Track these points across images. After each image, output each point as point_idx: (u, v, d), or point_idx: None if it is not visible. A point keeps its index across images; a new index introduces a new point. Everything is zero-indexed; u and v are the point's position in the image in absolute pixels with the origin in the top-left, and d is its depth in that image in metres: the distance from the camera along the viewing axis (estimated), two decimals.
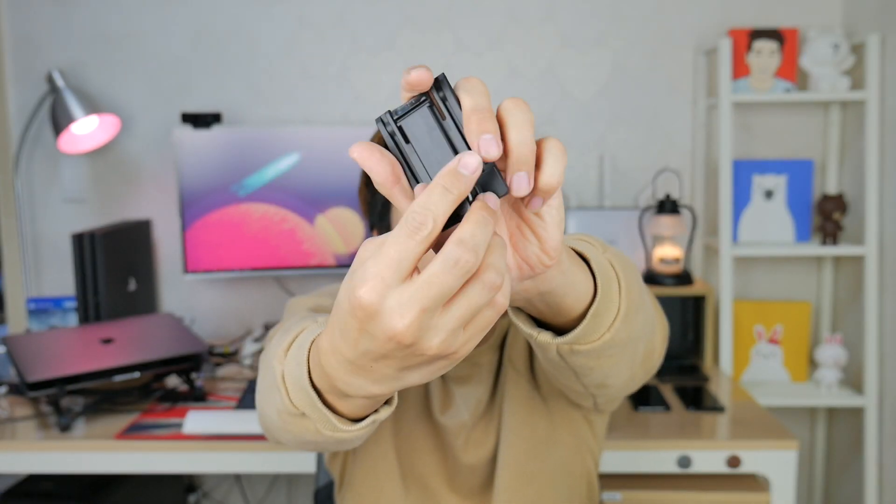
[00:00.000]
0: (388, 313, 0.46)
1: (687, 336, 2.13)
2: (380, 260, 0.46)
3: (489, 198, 0.49)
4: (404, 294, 0.46)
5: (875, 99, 2.04)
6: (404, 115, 0.50)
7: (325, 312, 1.04)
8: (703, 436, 1.65)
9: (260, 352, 2.12)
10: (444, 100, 0.50)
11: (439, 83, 0.50)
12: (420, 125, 0.50)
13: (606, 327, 0.72)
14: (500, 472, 1.05)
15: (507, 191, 0.50)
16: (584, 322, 0.70)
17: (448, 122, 0.50)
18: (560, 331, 0.74)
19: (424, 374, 0.52)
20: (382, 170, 0.51)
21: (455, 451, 1.08)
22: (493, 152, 0.47)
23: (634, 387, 0.92)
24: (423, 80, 0.50)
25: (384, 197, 1.08)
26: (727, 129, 2.10)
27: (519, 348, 1.09)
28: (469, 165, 0.47)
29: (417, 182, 0.51)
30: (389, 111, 0.51)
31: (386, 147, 0.52)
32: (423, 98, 0.50)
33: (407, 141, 0.50)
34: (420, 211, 0.46)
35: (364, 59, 2.32)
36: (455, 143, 0.50)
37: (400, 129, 0.50)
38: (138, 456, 1.63)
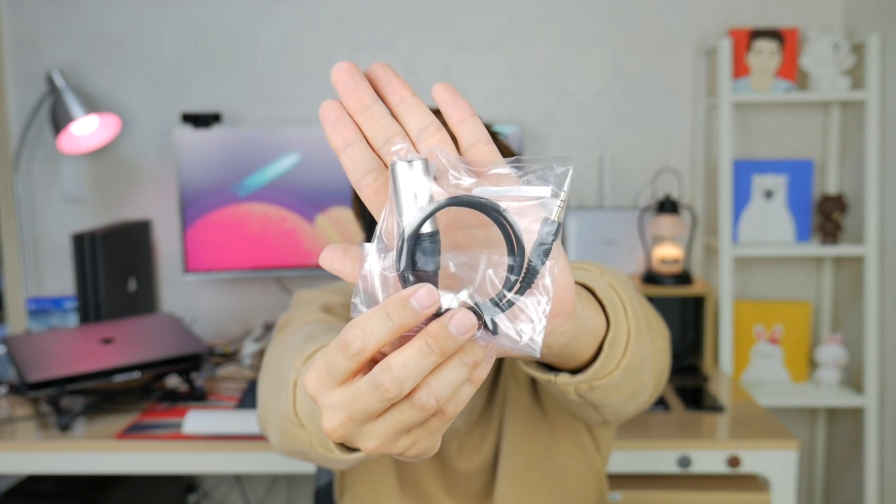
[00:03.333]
0: (323, 409, 0.46)
1: (687, 336, 2.13)
2: (323, 356, 0.45)
3: (457, 321, 0.42)
4: (335, 398, 0.45)
5: (875, 99, 2.04)
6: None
7: (337, 315, 1.04)
8: (703, 436, 1.65)
9: (260, 352, 2.12)
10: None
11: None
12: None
13: (621, 354, 0.70)
14: (500, 483, 1.04)
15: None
16: (602, 355, 0.68)
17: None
18: (572, 369, 0.72)
19: (414, 437, 0.49)
20: (349, 269, 0.49)
21: (449, 456, 1.07)
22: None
23: (652, 402, 0.90)
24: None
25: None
26: (727, 129, 2.10)
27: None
28: (422, 300, 0.42)
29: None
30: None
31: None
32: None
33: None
34: (353, 330, 0.43)
35: (364, 59, 2.32)
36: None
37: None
38: (138, 456, 1.63)
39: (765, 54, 2.15)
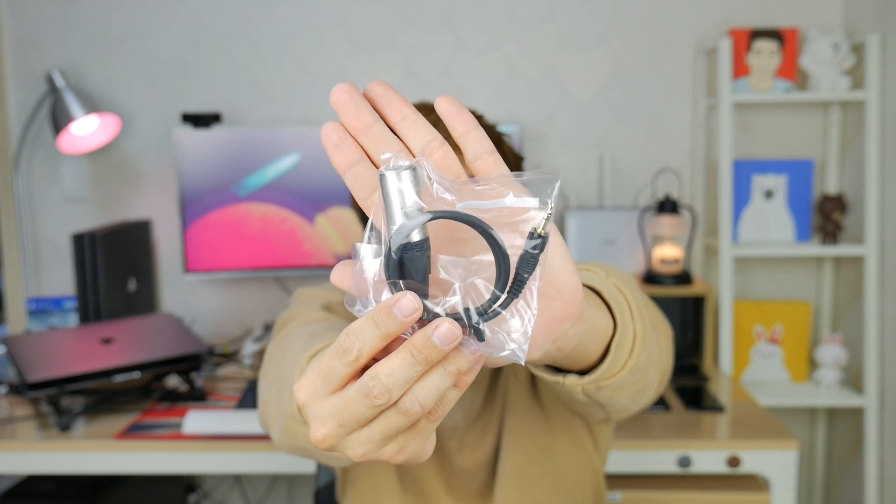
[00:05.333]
0: (313, 418, 0.48)
1: (687, 336, 2.13)
2: (318, 364, 0.47)
3: (440, 332, 0.44)
4: (325, 407, 0.47)
5: (875, 99, 2.04)
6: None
7: (338, 313, 1.04)
8: (703, 436, 1.65)
9: (260, 352, 2.12)
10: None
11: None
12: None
13: (627, 354, 0.71)
14: (500, 480, 1.04)
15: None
16: (609, 356, 0.70)
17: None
18: (580, 370, 0.73)
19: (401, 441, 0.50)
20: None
21: (449, 453, 1.07)
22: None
23: (655, 399, 0.91)
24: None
25: None
26: (727, 129, 2.10)
27: None
28: (403, 309, 0.44)
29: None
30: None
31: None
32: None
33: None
34: (349, 337, 0.45)
35: (364, 59, 2.32)
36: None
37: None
38: (138, 456, 1.63)
39: (765, 54, 2.15)
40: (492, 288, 0.46)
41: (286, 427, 0.79)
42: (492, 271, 0.46)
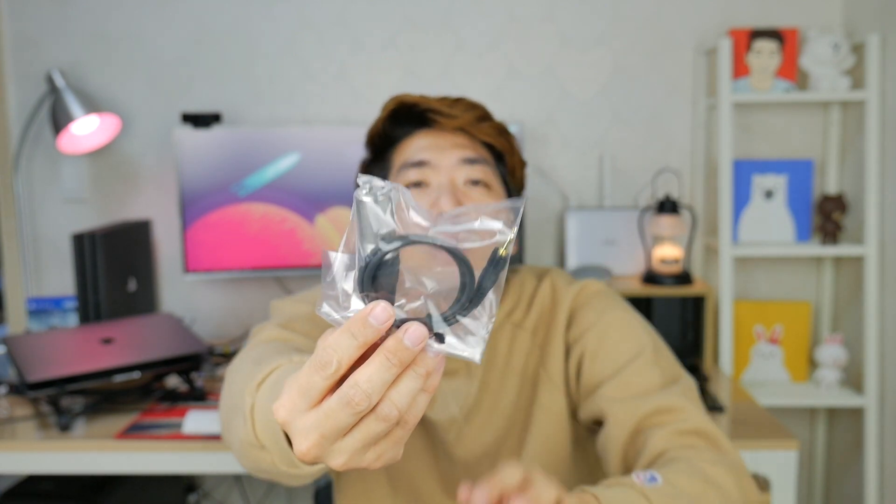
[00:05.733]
0: (295, 433, 0.51)
1: (687, 336, 2.13)
2: (295, 381, 0.50)
3: (410, 334, 0.48)
4: (308, 420, 0.50)
5: (875, 99, 2.04)
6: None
7: (294, 329, 1.06)
8: None
9: None
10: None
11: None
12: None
13: None
14: None
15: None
16: None
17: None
18: None
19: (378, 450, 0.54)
20: None
21: (447, 446, 1.07)
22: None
23: None
24: None
25: None
26: (727, 129, 2.10)
27: (556, 357, 1.08)
28: (378, 317, 0.48)
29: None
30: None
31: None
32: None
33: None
34: (327, 350, 0.48)
35: (364, 59, 2.32)
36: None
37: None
38: (138, 456, 1.63)
39: (765, 54, 2.15)
40: (453, 297, 0.51)
41: (244, 453, 0.81)
42: (453, 280, 0.51)
